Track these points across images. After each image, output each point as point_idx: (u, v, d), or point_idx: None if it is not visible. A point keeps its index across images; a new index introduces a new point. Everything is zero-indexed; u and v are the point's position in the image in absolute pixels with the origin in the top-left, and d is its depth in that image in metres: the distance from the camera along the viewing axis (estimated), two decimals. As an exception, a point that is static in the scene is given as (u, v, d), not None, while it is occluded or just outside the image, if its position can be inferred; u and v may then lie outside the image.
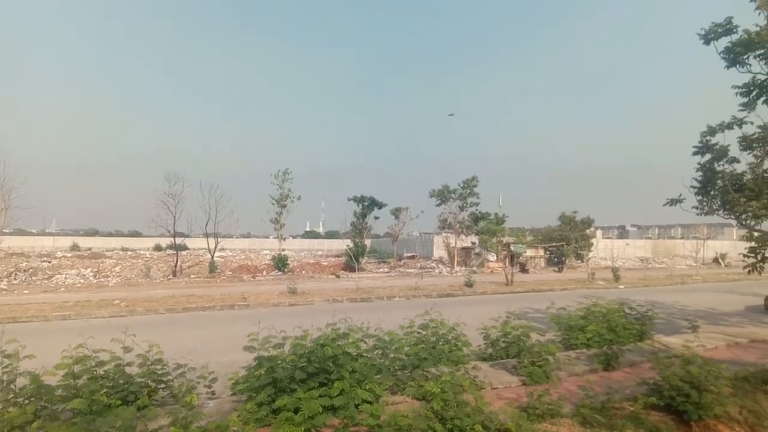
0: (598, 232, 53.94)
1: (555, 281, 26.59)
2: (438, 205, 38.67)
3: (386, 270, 36.06)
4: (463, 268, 36.16)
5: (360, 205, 41.09)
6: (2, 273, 27.04)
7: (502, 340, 7.73)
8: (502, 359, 7.57)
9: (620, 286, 24.09)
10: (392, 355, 6.52)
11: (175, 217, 31.60)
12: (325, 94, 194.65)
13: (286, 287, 20.13)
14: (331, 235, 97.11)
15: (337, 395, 4.73)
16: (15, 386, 4.78)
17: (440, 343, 7.05)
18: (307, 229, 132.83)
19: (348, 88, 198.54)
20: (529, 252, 39.78)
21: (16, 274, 28.40)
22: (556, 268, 37.47)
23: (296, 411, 4.42)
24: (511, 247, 34.04)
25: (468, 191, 37.34)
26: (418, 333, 7.16)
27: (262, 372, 5.17)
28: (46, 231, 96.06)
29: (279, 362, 5.28)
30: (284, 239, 40.82)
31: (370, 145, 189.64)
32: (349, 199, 41.51)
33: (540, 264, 40.31)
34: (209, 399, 5.67)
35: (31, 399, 4.60)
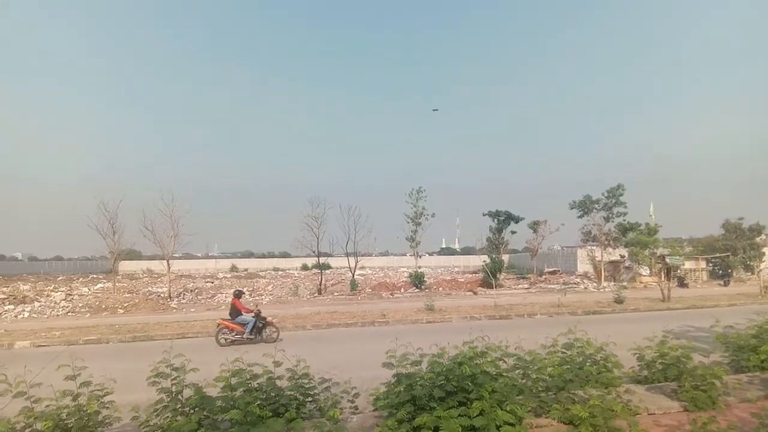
0: (772, 240, 47.57)
1: (720, 296, 23.87)
2: (580, 216, 36.80)
3: (526, 286, 34.86)
4: (612, 283, 33.78)
5: (495, 219, 40.38)
6: (173, 293, 30.38)
7: (659, 361, 7.02)
8: (659, 382, 6.90)
9: (803, 302, 20.95)
10: (534, 376, 6.24)
11: (318, 238, 33.57)
12: (452, 112, 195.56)
13: (424, 304, 20.29)
14: (466, 251, 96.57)
15: (477, 415, 4.62)
16: (182, 397, 5.30)
17: (587, 363, 6.60)
18: (443, 246, 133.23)
19: (475, 104, 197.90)
20: (688, 264, 36.07)
21: (184, 294, 31.81)
22: (721, 282, 33.59)
23: (436, 429, 4.39)
24: (667, 260, 31.14)
25: (613, 201, 35.03)
26: (563, 353, 6.76)
27: (401, 389, 5.22)
28: (209, 254, 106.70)
29: (417, 380, 5.30)
30: (420, 256, 41.31)
31: (503, 159, 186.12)
32: (484, 215, 41.04)
33: (701, 277, 36.44)
34: (352, 414, 5.85)
35: (196, 409, 5.06)
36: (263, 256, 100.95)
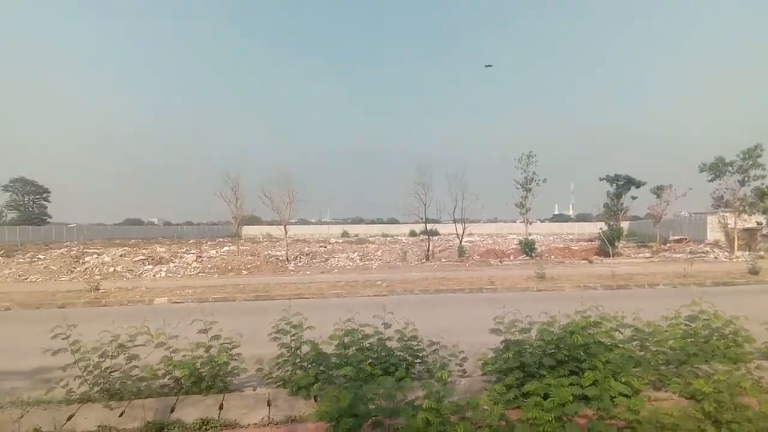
0: None
1: None
2: (710, 180, 33.56)
3: (647, 255, 32.71)
4: (746, 252, 30.75)
5: (614, 184, 38.15)
6: (290, 257, 32.16)
7: (799, 337, 6.38)
8: (798, 360, 6.27)
9: None
10: (653, 348, 5.91)
11: (425, 205, 33.75)
12: (571, 70, 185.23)
13: (534, 272, 19.78)
14: (582, 218, 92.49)
15: (589, 385, 4.48)
16: (300, 352, 5.69)
17: (713, 337, 6.12)
18: (556, 213, 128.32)
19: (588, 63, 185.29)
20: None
21: (300, 257, 33.56)
22: None
23: (545, 397, 4.34)
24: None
25: (750, 162, 31.52)
26: (686, 325, 6.32)
27: (510, 355, 5.20)
28: (322, 220, 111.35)
29: (526, 347, 5.25)
30: (531, 223, 40.17)
31: (622, 117, 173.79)
32: (601, 179, 38.96)
33: None
34: (460, 377, 5.93)
35: (312, 364, 5.41)
36: (372, 222, 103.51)
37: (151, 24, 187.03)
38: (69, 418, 4.73)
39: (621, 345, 5.65)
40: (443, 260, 32.12)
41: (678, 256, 31.13)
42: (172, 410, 4.87)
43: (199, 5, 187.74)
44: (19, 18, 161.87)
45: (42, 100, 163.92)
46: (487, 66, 72.70)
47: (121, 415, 4.75)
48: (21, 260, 28.72)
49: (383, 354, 5.60)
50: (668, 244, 39.13)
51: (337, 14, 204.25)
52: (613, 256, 30.55)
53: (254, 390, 5.59)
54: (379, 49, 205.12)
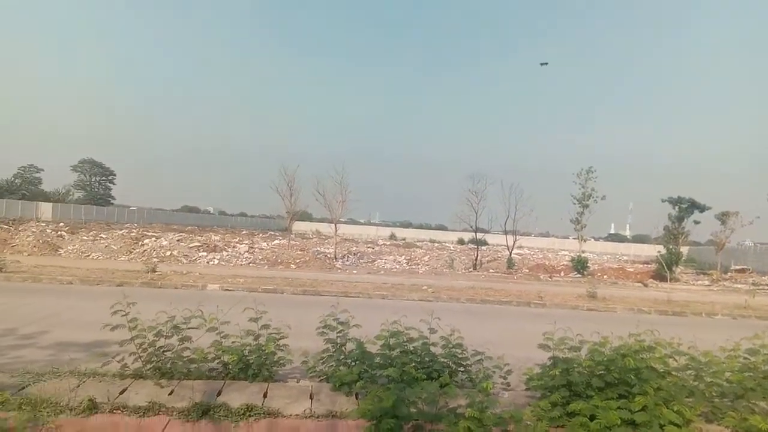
0: None
1: None
2: (780, 209, 31.85)
3: (707, 283, 31.33)
4: (816, 289, 28.97)
5: (676, 207, 36.61)
6: (338, 255, 32.50)
7: None
8: None
9: None
10: (708, 380, 5.66)
11: (477, 214, 33.48)
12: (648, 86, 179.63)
13: (585, 290, 19.27)
14: (638, 239, 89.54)
15: (639, 410, 4.35)
16: (345, 349, 5.76)
17: (775, 374, 5.83)
18: (612, 232, 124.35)
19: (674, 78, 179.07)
20: None
21: (348, 256, 33.88)
22: None
23: (592, 418, 4.24)
24: None
25: (827, 193, 29.71)
26: (745, 358, 6.02)
27: (557, 372, 5.10)
28: (371, 221, 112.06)
29: (575, 365, 5.14)
30: (585, 240, 39.09)
31: (688, 140, 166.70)
32: (663, 201, 37.44)
33: None
34: (504, 389, 5.85)
35: (356, 362, 5.46)
36: (420, 227, 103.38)
37: (219, 22, 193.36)
38: (122, 392, 4.96)
39: (674, 373, 5.44)
40: (491, 271, 31.74)
41: (739, 286, 29.62)
42: (219, 393, 5.03)
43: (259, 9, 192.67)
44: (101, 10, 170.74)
45: (114, 88, 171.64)
46: (542, 64, 70.33)
47: (170, 394, 4.95)
48: (84, 238, 30.18)
49: (427, 359, 5.59)
50: (729, 274, 37.27)
51: (391, 22, 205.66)
52: (670, 281, 29.38)
53: (298, 382, 5.70)
54: (436, 58, 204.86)
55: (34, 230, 30.46)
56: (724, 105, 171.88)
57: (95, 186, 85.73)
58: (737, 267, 41.29)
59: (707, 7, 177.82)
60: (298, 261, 28.32)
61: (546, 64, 79.06)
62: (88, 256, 25.66)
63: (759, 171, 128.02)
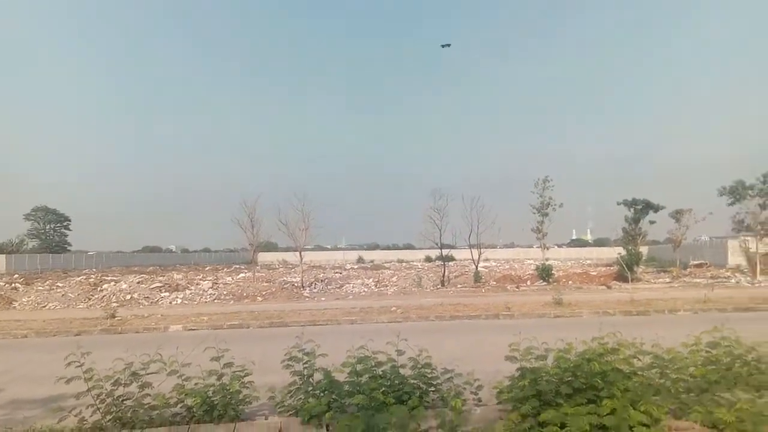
0: None
1: None
2: (730, 204, 33.25)
3: (667, 280, 32.19)
4: (769, 277, 30.16)
5: (632, 208, 37.70)
6: (305, 283, 32.16)
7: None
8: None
9: None
10: (673, 376, 5.76)
11: (441, 230, 33.69)
12: (584, 92, 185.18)
13: (551, 298, 19.50)
14: (600, 243, 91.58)
15: (608, 414, 4.37)
16: (312, 380, 5.63)
17: (736, 364, 5.96)
18: (574, 237, 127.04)
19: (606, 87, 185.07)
20: None
21: (315, 283, 33.54)
22: None
23: (562, 426, 4.24)
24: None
25: (771, 186, 31.15)
26: (707, 352, 6.16)
27: (526, 383, 5.09)
28: (338, 246, 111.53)
29: (542, 374, 5.15)
30: (548, 248, 39.78)
31: (638, 138, 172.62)
32: (618, 203, 38.51)
33: None
34: (476, 405, 5.81)
35: (325, 392, 5.34)
36: (388, 248, 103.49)
37: (168, 52, 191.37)
38: (80, 448, 4.71)
39: (640, 372, 5.52)
40: (459, 286, 31.86)
41: (698, 281, 30.58)
42: (184, 439, 4.83)
43: (211, 31, 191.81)
44: (30, 37, 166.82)
45: (64, 129, 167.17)
46: (443, 46, 70.73)
47: (132, 445, 4.73)
48: (40, 288, 29.07)
49: (396, 382, 5.51)
50: (688, 269, 38.48)
51: (346, 33, 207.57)
52: (632, 281, 30.07)
53: (266, 419, 5.53)
54: (397, 75, 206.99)
55: (-15, 284, 29.16)
56: (676, 108, 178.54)
57: (50, 233, 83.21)
58: (696, 262, 42.70)
59: (657, 11, 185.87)
60: (264, 293, 27.85)
61: (448, 45, 78.01)
62: (45, 306, 24.60)
63: (710, 169, 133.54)
